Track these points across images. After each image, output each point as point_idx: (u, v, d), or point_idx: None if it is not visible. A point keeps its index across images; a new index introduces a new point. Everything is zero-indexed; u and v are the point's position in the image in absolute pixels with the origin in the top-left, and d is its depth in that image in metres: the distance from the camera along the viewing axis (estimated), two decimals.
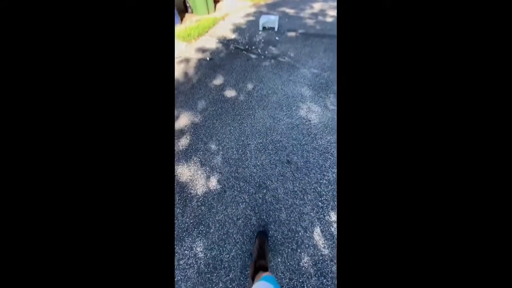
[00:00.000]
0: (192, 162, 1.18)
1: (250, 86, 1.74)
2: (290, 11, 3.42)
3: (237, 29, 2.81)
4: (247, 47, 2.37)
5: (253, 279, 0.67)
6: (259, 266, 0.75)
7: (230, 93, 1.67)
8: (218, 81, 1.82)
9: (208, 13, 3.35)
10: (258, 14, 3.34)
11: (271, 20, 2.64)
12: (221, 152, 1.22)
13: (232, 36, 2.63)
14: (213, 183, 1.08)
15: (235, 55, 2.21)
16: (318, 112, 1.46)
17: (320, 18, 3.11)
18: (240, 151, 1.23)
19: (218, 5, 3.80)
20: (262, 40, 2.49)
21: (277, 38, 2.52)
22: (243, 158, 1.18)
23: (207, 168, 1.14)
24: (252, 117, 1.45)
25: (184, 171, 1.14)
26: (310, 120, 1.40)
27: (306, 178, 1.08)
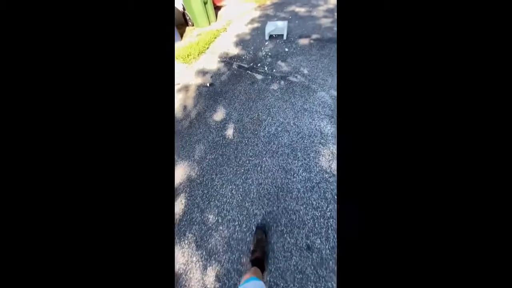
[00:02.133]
0: (187, 241, 0.95)
1: (256, 122, 1.44)
2: (301, 10, 2.93)
3: (241, 41, 2.47)
4: (251, 64, 2.03)
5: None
6: (255, 258, 0.75)
7: (232, 132, 1.38)
8: (219, 115, 1.56)
9: (210, 24, 3.07)
10: (264, 18, 2.93)
11: (279, 27, 2.24)
12: (221, 227, 0.97)
13: (235, 51, 2.31)
14: (211, 278, 0.84)
15: (238, 77, 1.90)
16: None
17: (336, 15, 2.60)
18: (244, 226, 0.96)
19: (220, 12, 3.48)
20: (269, 54, 2.13)
21: (286, 49, 2.13)
22: (248, 239, 0.92)
23: (204, 254, 0.90)
24: (259, 169, 1.16)
25: (176, 255, 0.92)
26: (335, 174, 1.06)
27: (335, 278, 0.78)
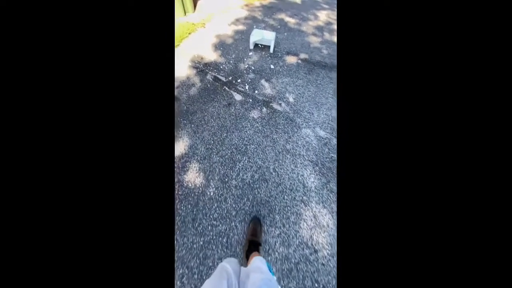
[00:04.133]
0: None
1: (228, 162, 1.14)
2: (290, 21, 2.72)
3: (221, 44, 2.09)
4: (230, 78, 1.70)
5: (247, 257, 0.68)
6: (252, 242, 0.78)
7: (193, 178, 1.01)
8: (178, 147, 1.17)
9: (185, 14, 2.54)
10: (251, 21, 2.59)
11: (266, 38, 1.95)
12: None
13: (213, 56, 1.92)
14: None
15: (212, 93, 1.55)
16: (328, 228, 0.92)
17: (326, 35, 2.48)
18: None
19: (200, 2, 2.95)
20: (252, 68, 1.83)
21: (272, 66, 1.87)
22: None
23: None
24: (225, 240, 0.85)
25: None
26: (316, 250, 0.87)
27: None
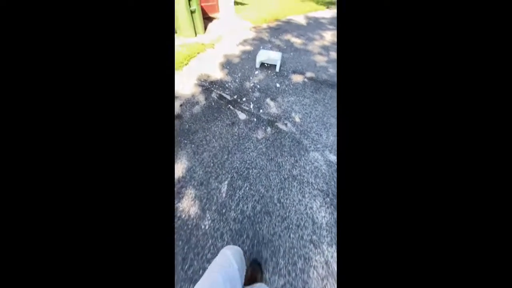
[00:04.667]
0: None
1: (225, 190, 1.01)
2: (296, 41, 2.81)
3: (228, 64, 2.14)
4: (235, 97, 1.68)
5: None
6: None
7: (187, 206, 0.91)
8: (175, 169, 1.13)
9: (196, 35, 2.71)
10: (258, 42, 2.69)
11: (272, 58, 1.99)
12: None
13: (219, 75, 1.95)
14: None
15: (216, 112, 1.52)
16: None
17: (332, 55, 2.51)
18: None
19: (210, 24, 3.15)
20: (258, 87, 1.82)
21: (278, 85, 1.86)
22: None
23: None
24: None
25: None
26: None
27: None
